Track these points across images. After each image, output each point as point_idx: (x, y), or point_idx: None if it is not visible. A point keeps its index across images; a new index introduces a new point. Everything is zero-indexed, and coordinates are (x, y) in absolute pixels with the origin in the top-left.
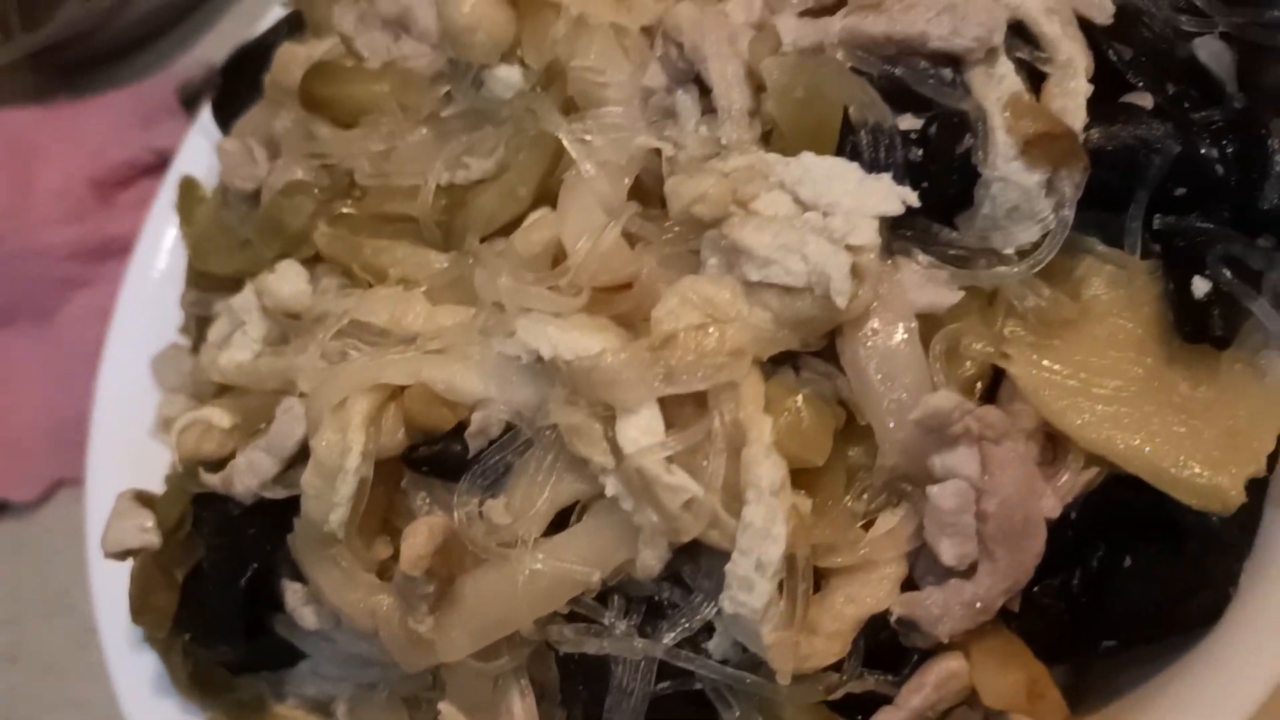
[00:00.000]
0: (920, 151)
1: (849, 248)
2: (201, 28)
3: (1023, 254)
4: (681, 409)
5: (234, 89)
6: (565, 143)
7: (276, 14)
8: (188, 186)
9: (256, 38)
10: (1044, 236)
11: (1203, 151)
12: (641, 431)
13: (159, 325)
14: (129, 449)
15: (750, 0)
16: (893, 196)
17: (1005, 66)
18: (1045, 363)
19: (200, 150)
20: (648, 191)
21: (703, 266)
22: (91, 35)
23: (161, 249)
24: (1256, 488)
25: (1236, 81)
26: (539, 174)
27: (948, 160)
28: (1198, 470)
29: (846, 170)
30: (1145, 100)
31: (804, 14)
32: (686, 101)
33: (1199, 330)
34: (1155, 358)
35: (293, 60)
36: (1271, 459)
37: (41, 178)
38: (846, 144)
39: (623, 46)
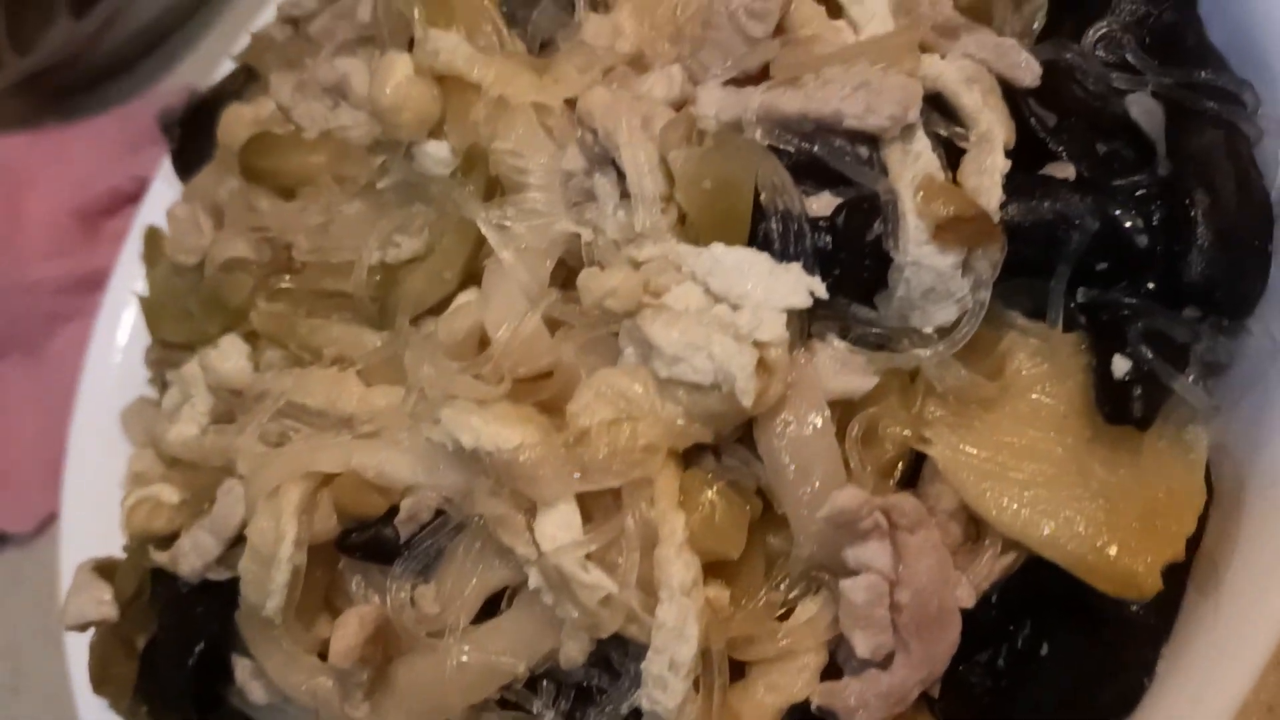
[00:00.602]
0: (830, 239)
1: (757, 343)
2: (183, 49)
3: (943, 332)
4: (601, 500)
5: (192, 140)
6: (484, 231)
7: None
8: (152, 237)
9: (214, 86)
10: (962, 316)
11: (1126, 225)
12: (559, 527)
13: (130, 375)
14: (101, 502)
15: (671, 74)
16: (801, 289)
17: (922, 143)
18: (964, 446)
19: (165, 197)
20: (572, 271)
21: (620, 354)
22: (77, 59)
23: (130, 303)
24: (1176, 572)
25: (1166, 141)
26: (463, 258)
27: (858, 247)
28: (1114, 557)
29: (756, 261)
30: (1067, 170)
31: (728, 83)
32: (604, 185)
33: (1119, 412)
34: (1076, 437)
35: (238, 122)
36: (1195, 540)
37: (29, 209)
38: (759, 230)
39: (545, 126)
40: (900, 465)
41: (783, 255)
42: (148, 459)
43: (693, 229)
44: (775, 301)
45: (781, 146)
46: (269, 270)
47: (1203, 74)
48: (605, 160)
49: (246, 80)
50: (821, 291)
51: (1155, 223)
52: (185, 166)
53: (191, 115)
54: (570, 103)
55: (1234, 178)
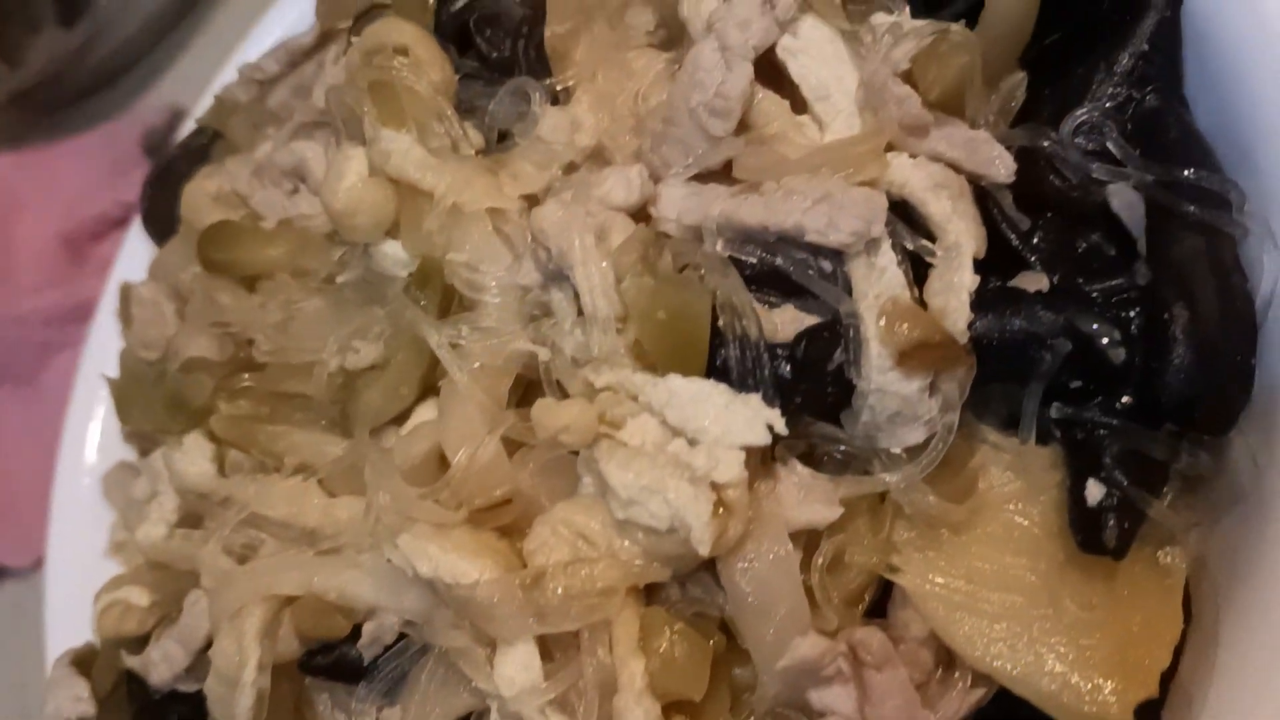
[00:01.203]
0: (789, 368)
1: (714, 485)
2: (166, 63)
3: (912, 452)
4: (561, 636)
5: (162, 200)
6: (437, 352)
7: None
8: (126, 294)
9: (181, 143)
10: (931, 437)
11: (1101, 342)
12: (518, 668)
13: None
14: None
15: (629, 177)
16: (760, 424)
17: (887, 257)
18: (934, 576)
19: (139, 254)
20: (533, 384)
21: (579, 482)
22: (64, 73)
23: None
24: (1151, 707)
25: (1147, 240)
26: (419, 373)
27: (819, 377)
28: (1086, 695)
29: (713, 394)
30: (1039, 281)
31: (692, 179)
32: (561, 301)
33: (1092, 542)
34: (1049, 561)
35: (200, 198)
36: (1170, 671)
37: (19, 234)
38: (717, 356)
39: (501, 233)
40: (869, 592)
41: (741, 385)
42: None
43: (650, 356)
44: (733, 438)
45: (743, 257)
46: (230, 369)
47: (1186, 173)
48: (561, 276)
49: (214, 136)
50: (781, 427)
51: (1134, 332)
52: (156, 227)
53: (160, 174)
54: (529, 198)
55: (1215, 289)
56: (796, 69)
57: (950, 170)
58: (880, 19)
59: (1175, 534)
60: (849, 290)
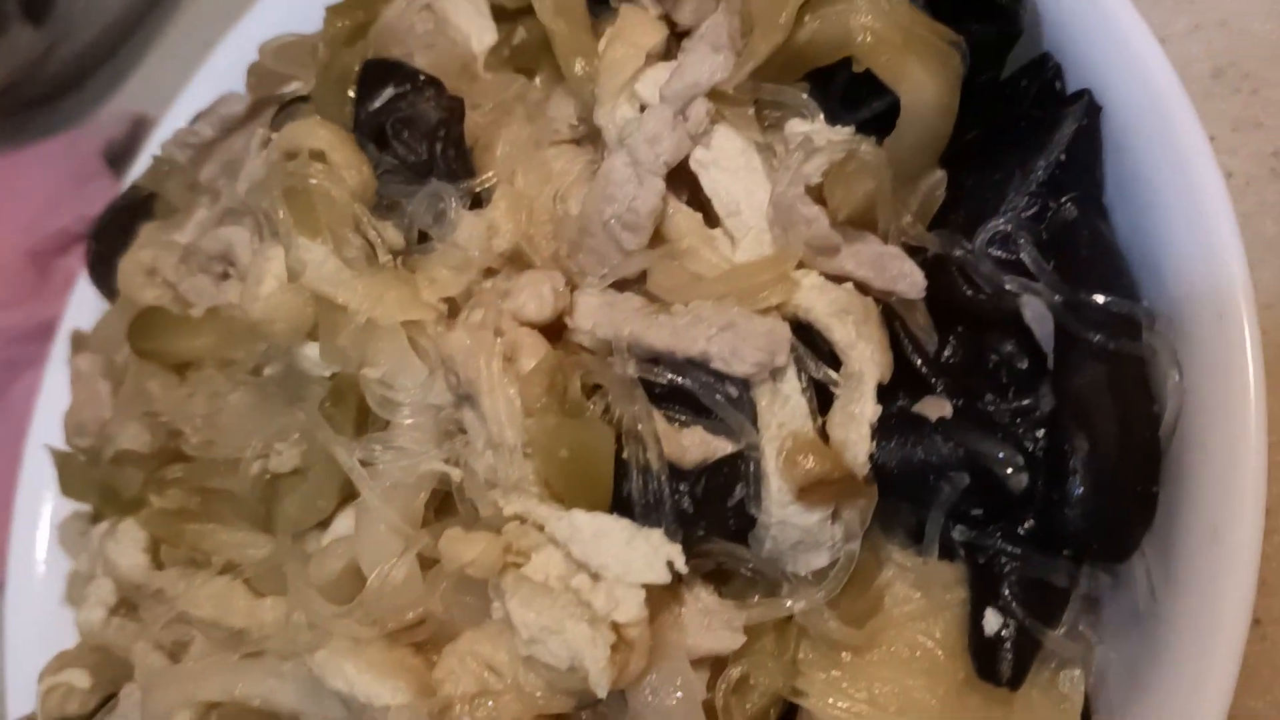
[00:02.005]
0: (691, 503)
1: (614, 625)
2: (129, 68)
3: (818, 574)
4: None
5: (108, 250)
6: (349, 473)
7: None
8: (78, 341)
9: (124, 192)
10: (835, 561)
11: (1003, 473)
12: None
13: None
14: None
15: (542, 293)
16: (660, 563)
17: (791, 385)
18: (837, 699)
19: (87, 301)
20: (448, 497)
21: (491, 605)
22: (27, 78)
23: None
24: None
25: (1054, 358)
26: (335, 486)
27: (720, 511)
28: None
29: (614, 529)
30: (943, 408)
31: (608, 287)
32: (473, 421)
33: (988, 671)
34: (949, 683)
35: (135, 273)
36: None
37: None
38: (621, 489)
39: (417, 346)
40: (774, 711)
41: (644, 518)
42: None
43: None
44: (634, 576)
45: (653, 378)
46: (160, 462)
47: (1095, 297)
48: (471, 399)
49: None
50: (681, 565)
51: (1038, 455)
52: (103, 280)
53: (104, 224)
54: (448, 301)
55: (1117, 418)
56: (708, 182)
57: (856, 294)
58: (794, 127)
59: (1074, 658)
60: (754, 417)
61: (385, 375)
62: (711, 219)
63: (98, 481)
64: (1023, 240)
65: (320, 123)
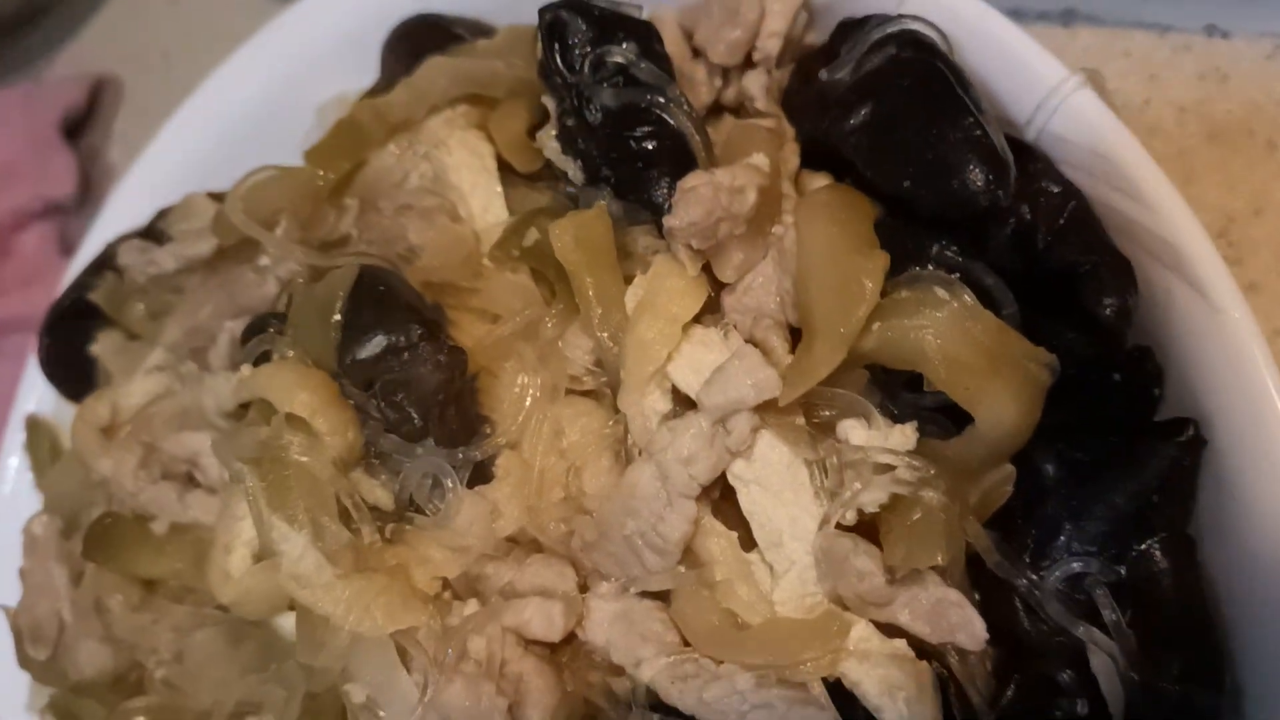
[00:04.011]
0: None
1: None
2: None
3: None
4: None
5: (59, 348)
6: None
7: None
8: (33, 428)
9: (74, 283)
10: None
11: None
12: None
13: None
14: None
15: (550, 614)
16: None
17: None
18: None
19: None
20: None
21: None
22: None
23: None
24: None
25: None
26: None
27: None
28: None
29: None
30: None
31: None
32: None
33: None
34: None
35: (89, 433)
36: None
37: None
38: None
39: (406, 656)
40: None
41: None
42: None
43: None
44: None
45: None
46: (122, 693)
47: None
48: None
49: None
50: None
51: None
52: (57, 377)
53: (54, 321)
54: (441, 580)
55: None
56: (747, 502)
57: (910, 662)
58: (848, 432)
59: None
60: None
61: (371, 696)
62: (747, 533)
63: (61, 706)
64: (1100, 594)
65: (300, 381)
